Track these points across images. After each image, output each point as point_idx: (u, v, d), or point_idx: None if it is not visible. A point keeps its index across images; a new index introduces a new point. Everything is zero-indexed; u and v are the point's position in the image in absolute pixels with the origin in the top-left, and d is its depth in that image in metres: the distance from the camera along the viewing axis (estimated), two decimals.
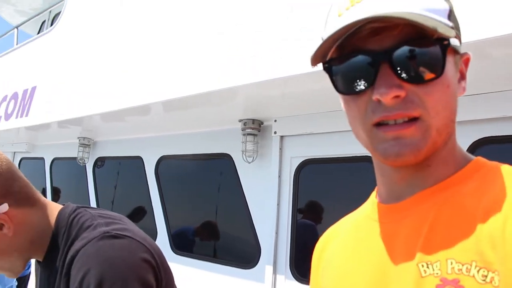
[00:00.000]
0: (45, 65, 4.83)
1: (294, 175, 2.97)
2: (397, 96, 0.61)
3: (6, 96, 5.45)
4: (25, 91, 4.96)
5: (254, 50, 2.43)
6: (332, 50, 0.66)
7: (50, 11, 6.60)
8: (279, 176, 3.02)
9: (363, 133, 0.67)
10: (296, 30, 2.20)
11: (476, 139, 2.19)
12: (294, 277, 2.83)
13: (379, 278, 0.66)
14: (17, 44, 5.93)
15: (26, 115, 4.80)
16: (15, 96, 5.22)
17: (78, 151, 4.92)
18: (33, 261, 1.18)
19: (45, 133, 5.26)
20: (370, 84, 0.63)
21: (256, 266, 3.12)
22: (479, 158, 0.69)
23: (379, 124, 0.64)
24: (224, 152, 3.52)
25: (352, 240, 0.79)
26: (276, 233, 2.96)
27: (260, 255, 3.11)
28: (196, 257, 3.60)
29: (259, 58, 2.38)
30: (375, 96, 0.62)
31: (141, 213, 4.31)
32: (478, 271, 0.54)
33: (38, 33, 6.90)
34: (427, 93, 0.62)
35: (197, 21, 2.88)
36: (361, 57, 0.63)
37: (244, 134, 3.21)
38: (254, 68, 2.38)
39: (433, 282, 0.57)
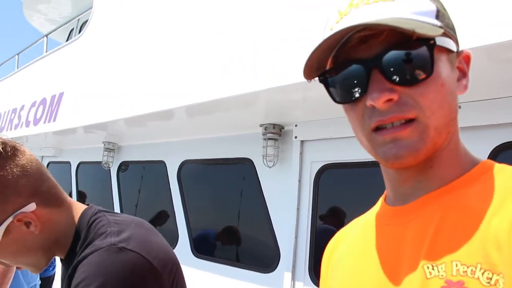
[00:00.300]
0: (73, 71, 4.97)
1: (314, 179, 2.98)
2: (389, 100, 0.62)
3: (35, 102, 5.61)
4: (53, 97, 5.10)
5: (275, 55, 2.45)
6: (329, 62, 0.69)
7: (78, 19, 6.79)
8: (299, 181, 3.03)
9: (364, 139, 0.69)
10: (318, 35, 2.22)
11: (498, 144, 2.17)
12: (312, 281, 2.82)
13: (386, 279, 0.67)
14: (46, 52, 6.11)
15: (54, 120, 4.93)
16: (43, 102, 5.37)
17: (103, 156, 5.03)
18: (58, 261, 1.22)
19: (71, 137, 5.40)
20: (364, 91, 0.65)
21: (275, 270, 3.13)
22: (487, 160, 0.69)
23: (377, 129, 0.65)
24: (245, 156, 3.55)
25: (360, 241, 0.80)
26: (296, 237, 2.96)
27: (279, 260, 3.12)
28: (216, 261, 3.62)
29: (281, 63, 2.41)
30: (368, 102, 0.64)
31: (163, 217, 4.36)
32: (482, 274, 0.54)
33: (67, 40, 7.10)
34: (420, 93, 0.63)
35: (221, 26, 2.93)
36: (352, 66, 0.65)
37: (265, 139, 3.23)
38: (276, 73, 2.41)
39: (438, 283, 0.58)
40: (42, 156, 6.53)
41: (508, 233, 0.54)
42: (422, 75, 0.63)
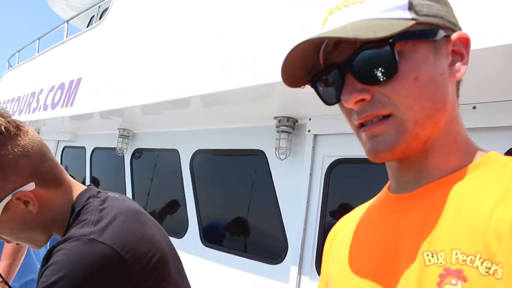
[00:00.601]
0: (92, 57, 5.03)
1: (325, 173, 2.98)
2: (361, 100, 0.66)
3: (53, 86, 5.69)
4: (71, 82, 5.17)
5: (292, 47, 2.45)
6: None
7: (99, 6, 6.84)
8: (310, 174, 3.04)
9: (357, 135, 0.73)
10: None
11: None
12: (319, 275, 2.83)
13: (385, 265, 0.68)
14: (66, 38, 6.19)
15: (71, 105, 5.00)
16: (61, 86, 5.44)
17: (118, 142, 5.08)
18: None
19: (87, 123, 5.47)
20: (339, 94, 0.68)
21: (282, 262, 3.14)
22: (493, 152, 0.68)
23: (361, 126, 0.68)
24: (258, 148, 3.56)
25: (362, 228, 0.80)
26: (304, 229, 2.97)
27: (287, 252, 3.14)
28: (224, 250, 3.65)
29: None
30: (344, 103, 0.68)
31: (174, 206, 4.41)
32: (482, 263, 0.54)
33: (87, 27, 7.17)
34: (391, 90, 0.64)
35: (240, 17, 2.94)
36: (329, 71, 0.70)
37: (278, 131, 3.24)
38: None
39: (436, 271, 0.58)
40: (58, 141, 6.63)
41: (509, 225, 0.54)
42: (387, 73, 0.64)
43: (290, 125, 3.23)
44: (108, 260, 0.95)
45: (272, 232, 3.37)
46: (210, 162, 4.19)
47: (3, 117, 1.06)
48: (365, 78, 0.65)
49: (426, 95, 0.65)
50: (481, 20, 1.64)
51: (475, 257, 0.55)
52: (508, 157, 0.66)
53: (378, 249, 0.71)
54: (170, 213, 4.46)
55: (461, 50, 0.69)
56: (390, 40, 0.63)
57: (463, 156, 0.69)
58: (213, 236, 3.88)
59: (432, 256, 0.60)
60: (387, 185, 0.81)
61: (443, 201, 0.64)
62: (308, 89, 2.54)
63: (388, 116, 0.65)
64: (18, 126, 1.08)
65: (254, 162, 3.65)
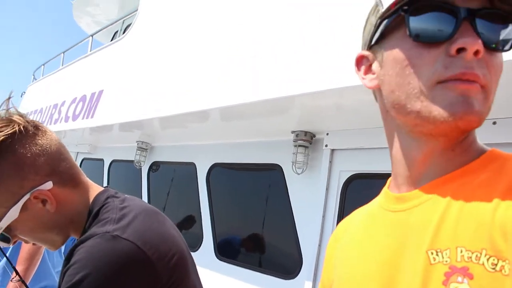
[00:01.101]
0: (114, 70, 5.13)
1: (342, 188, 2.96)
2: (478, 52, 0.59)
3: (75, 99, 5.80)
4: (93, 94, 5.26)
5: (312, 60, 2.47)
6: None
7: (123, 22, 7.00)
8: (326, 189, 3.02)
9: (420, 90, 0.63)
10: (355, 41, 2.22)
11: None
12: None
13: (390, 265, 0.66)
14: (90, 51, 6.33)
15: (92, 117, 5.08)
16: (83, 98, 5.54)
17: (136, 155, 5.13)
18: None
19: (107, 135, 5.54)
20: (448, 38, 0.61)
21: (297, 277, 3.11)
22: (494, 149, 0.67)
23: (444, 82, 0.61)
24: (275, 162, 3.56)
25: (363, 230, 0.79)
26: (319, 245, 2.94)
27: (301, 267, 3.10)
28: (238, 264, 3.63)
29: (317, 68, 2.42)
30: (458, 45, 0.59)
31: (190, 221, 4.41)
32: (488, 259, 0.53)
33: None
34: (494, 65, 0.62)
35: (260, 30, 2.98)
36: (445, 9, 0.61)
37: (295, 146, 3.24)
38: (312, 78, 2.42)
39: (442, 269, 0.57)
40: (78, 152, 6.73)
41: None
42: (505, 47, 0.62)
43: (307, 140, 3.23)
44: (132, 256, 0.95)
45: (287, 246, 3.34)
46: (226, 176, 4.20)
47: (22, 117, 1.08)
48: (485, 36, 0.60)
49: (497, 84, 0.64)
50: None
51: (481, 253, 0.54)
52: (509, 154, 0.65)
53: (382, 249, 0.70)
54: (185, 228, 4.46)
55: None
56: None
57: (466, 153, 0.67)
58: (227, 250, 3.86)
59: (437, 254, 0.58)
60: (385, 186, 0.80)
61: (445, 199, 0.63)
62: (327, 101, 2.52)
63: (482, 87, 0.61)
64: (36, 126, 1.09)
65: (270, 176, 3.65)
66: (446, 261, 0.57)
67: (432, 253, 0.59)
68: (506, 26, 0.62)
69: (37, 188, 1.05)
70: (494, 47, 0.61)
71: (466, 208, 0.59)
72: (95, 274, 0.91)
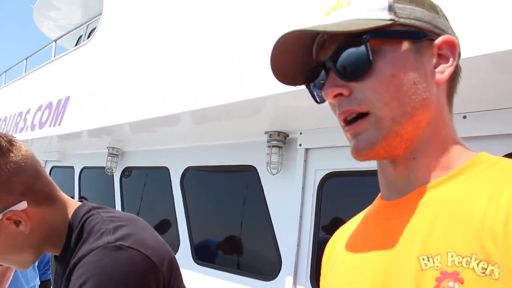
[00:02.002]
0: (80, 76, 5.01)
1: (318, 187, 2.97)
2: (339, 94, 0.68)
3: (41, 106, 5.65)
4: (59, 101, 5.13)
5: None
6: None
7: (87, 26, 6.85)
8: (302, 188, 3.03)
9: (347, 147, 0.74)
10: None
11: (504, 154, 2.16)
12: None
13: (382, 273, 0.67)
14: (54, 57, 6.17)
15: (59, 124, 4.95)
16: (49, 105, 5.40)
17: (107, 161, 5.03)
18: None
19: (76, 142, 5.41)
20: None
21: (277, 278, 3.10)
22: (483, 153, 0.68)
23: (347, 123, 0.70)
24: (249, 164, 3.55)
25: (357, 238, 0.81)
26: (298, 245, 2.94)
27: (280, 267, 3.10)
28: (217, 268, 3.60)
29: None
30: (323, 98, 0.71)
31: (165, 226, 4.35)
32: (478, 264, 0.54)
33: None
34: (368, 87, 0.67)
35: (228, 31, 2.95)
36: (316, 69, 0.73)
37: (269, 146, 3.23)
38: None
39: (433, 275, 0.58)
40: (46, 161, 6.55)
41: (503, 224, 0.53)
42: (362, 69, 0.66)
43: (281, 140, 3.23)
44: (141, 263, 0.95)
45: (266, 247, 3.34)
46: (201, 179, 4.16)
47: None
48: (343, 73, 0.68)
49: (404, 93, 0.66)
50: (468, 29, 1.66)
51: (471, 258, 0.55)
52: (498, 157, 0.66)
53: (374, 257, 0.71)
54: (161, 233, 4.38)
55: (446, 54, 0.71)
56: (364, 36, 0.65)
57: (453, 158, 0.69)
58: (205, 254, 3.83)
59: (428, 260, 0.59)
60: (380, 194, 0.81)
61: (435, 204, 0.64)
62: (300, 102, 2.53)
63: (367, 115, 0.67)
64: (10, 141, 1.03)
65: (245, 178, 3.63)
66: (437, 266, 0.58)
67: (423, 259, 0.60)
68: (354, 50, 0.68)
69: (10, 208, 0.99)
70: (357, 76, 0.68)
71: (456, 212, 0.60)
72: (114, 286, 0.89)
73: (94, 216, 1.06)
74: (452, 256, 0.57)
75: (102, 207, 1.12)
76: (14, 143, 1.04)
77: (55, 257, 1.13)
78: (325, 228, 2.90)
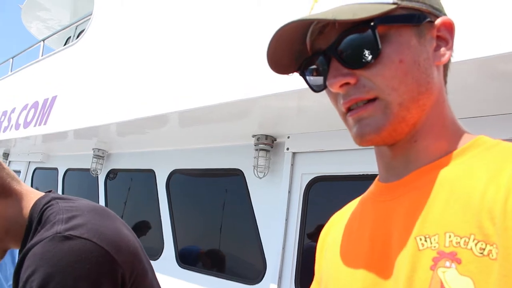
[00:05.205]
0: (67, 76, 4.96)
1: (304, 191, 2.97)
2: (346, 84, 0.66)
3: (27, 105, 5.58)
4: (46, 100, 5.07)
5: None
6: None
7: (76, 27, 6.81)
8: (289, 192, 3.02)
9: (343, 123, 0.72)
10: None
11: None
12: None
13: (379, 253, 0.67)
14: (41, 56, 6.11)
15: (45, 124, 4.89)
16: (35, 105, 5.33)
17: (92, 162, 4.98)
18: None
19: (61, 143, 5.36)
20: (326, 79, 0.69)
21: (261, 282, 3.09)
22: (481, 136, 0.69)
23: (348, 110, 0.69)
24: (236, 167, 3.54)
25: (353, 221, 0.80)
26: (283, 248, 2.93)
27: (265, 271, 3.08)
28: (201, 271, 3.57)
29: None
30: (328, 88, 0.68)
31: (150, 229, 4.31)
32: (476, 244, 0.54)
33: None
34: (376, 74, 0.65)
35: (216, 32, 2.95)
36: (315, 57, 0.70)
37: (256, 150, 3.23)
38: (272, 80, 2.42)
39: (430, 255, 0.58)
40: (29, 162, 6.46)
41: (502, 204, 0.53)
42: (371, 56, 0.65)
43: (268, 143, 3.23)
44: (90, 253, 0.91)
45: (251, 251, 3.32)
46: (187, 182, 4.14)
47: None
48: (349, 62, 0.66)
49: (411, 77, 0.65)
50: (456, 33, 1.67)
51: (469, 238, 0.55)
52: (497, 140, 0.66)
53: (370, 239, 0.70)
54: (145, 237, 4.34)
55: (445, 36, 0.70)
56: (372, 23, 0.64)
57: (452, 140, 0.69)
58: (189, 258, 3.80)
59: (425, 240, 0.59)
60: (377, 176, 0.81)
61: (433, 186, 0.64)
62: (288, 103, 2.52)
63: (374, 100, 0.66)
64: None
65: (232, 181, 3.62)
66: (435, 247, 0.57)
67: (420, 239, 0.60)
68: (360, 36, 0.66)
69: None
70: (364, 64, 0.66)
71: (455, 193, 0.60)
72: (58, 280, 0.86)
73: (52, 206, 1.04)
74: (450, 237, 0.56)
75: (64, 198, 1.10)
76: None
77: (19, 252, 1.11)
78: (310, 234, 2.90)
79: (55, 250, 0.89)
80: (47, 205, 1.05)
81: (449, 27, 0.71)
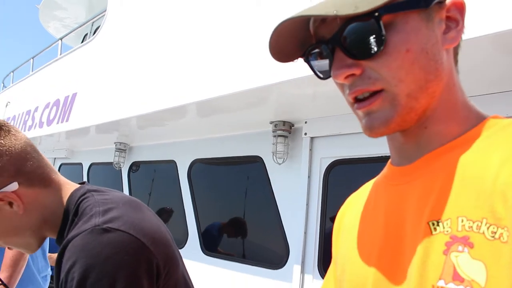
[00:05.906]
0: (86, 72, 5.05)
1: (323, 175, 2.99)
2: (351, 75, 0.64)
3: (48, 103, 5.70)
4: (66, 97, 5.18)
5: None
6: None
7: (92, 24, 6.89)
8: (308, 177, 3.04)
9: (352, 112, 0.71)
10: None
11: None
12: (322, 276, 2.82)
13: (391, 239, 0.67)
14: (60, 55, 6.21)
15: (67, 120, 5.00)
16: (57, 103, 5.45)
17: (114, 156, 5.08)
18: None
19: (84, 138, 5.46)
20: (330, 69, 0.66)
21: (284, 266, 3.13)
22: (495, 116, 0.67)
23: (356, 100, 0.66)
24: (255, 154, 3.57)
25: (367, 204, 0.80)
26: (305, 233, 2.96)
27: (288, 256, 3.12)
28: (226, 258, 3.64)
29: None
30: (334, 78, 0.66)
31: (174, 218, 4.38)
32: (488, 228, 0.53)
33: None
34: (382, 65, 0.62)
35: (231, 22, 2.97)
36: (318, 46, 0.67)
37: (275, 136, 3.25)
38: (287, 67, 2.43)
39: (443, 239, 0.57)
40: (55, 158, 6.61)
41: None
42: (376, 47, 0.62)
43: (286, 129, 3.24)
44: (129, 245, 0.93)
45: (273, 237, 3.36)
46: (208, 171, 4.19)
47: None
48: (354, 52, 0.63)
49: (418, 66, 0.63)
50: (468, 9, 1.66)
51: (481, 222, 0.54)
52: (510, 119, 0.64)
53: (383, 223, 0.70)
54: (170, 226, 4.42)
55: (455, 16, 0.67)
56: (376, 14, 0.60)
57: (463, 122, 0.67)
58: (214, 245, 3.87)
59: (438, 225, 0.59)
60: (390, 159, 0.80)
61: (445, 169, 0.63)
62: (304, 90, 2.52)
63: (380, 92, 0.64)
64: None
65: (252, 168, 3.65)
66: (447, 231, 0.57)
67: (433, 224, 0.59)
68: (365, 26, 0.62)
69: (1, 190, 1.01)
70: (370, 55, 0.63)
71: (467, 177, 0.59)
72: (98, 270, 0.89)
73: (87, 199, 1.06)
74: (462, 221, 0.56)
75: (99, 190, 1.12)
76: (2, 126, 1.06)
77: (56, 241, 1.14)
78: (331, 217, 2.92)
79: (94, 242, 0.92)
80: (83, 197, 1.07)
81: (460, 7, 0.67)
